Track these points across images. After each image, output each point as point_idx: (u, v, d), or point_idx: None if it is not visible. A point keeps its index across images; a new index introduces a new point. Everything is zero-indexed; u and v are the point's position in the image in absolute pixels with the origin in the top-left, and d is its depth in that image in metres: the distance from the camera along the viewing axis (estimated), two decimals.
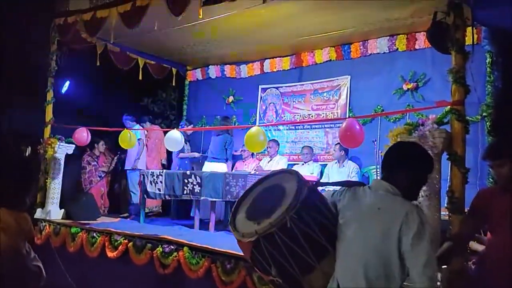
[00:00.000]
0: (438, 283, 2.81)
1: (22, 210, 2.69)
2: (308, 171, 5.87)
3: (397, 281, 1.69)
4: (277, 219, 1.70)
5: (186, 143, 6.81)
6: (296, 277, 1.74)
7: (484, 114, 5.00)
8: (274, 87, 7.15)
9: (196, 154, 6.81)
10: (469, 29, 3.62)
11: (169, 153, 7.06)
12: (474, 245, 3.00)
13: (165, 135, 6.53)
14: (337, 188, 1.98)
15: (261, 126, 5.69)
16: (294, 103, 6.93)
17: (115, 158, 6.95)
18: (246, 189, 2.04)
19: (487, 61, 5.04)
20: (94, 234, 4.85)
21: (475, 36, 4.09)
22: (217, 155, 6.09)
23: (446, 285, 2.82)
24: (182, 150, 6.60)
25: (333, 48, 6.41)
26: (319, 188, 2.00)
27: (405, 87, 5.78)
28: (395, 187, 1.79)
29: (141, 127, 6.60)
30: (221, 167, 5.99)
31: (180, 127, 6.79)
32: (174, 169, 6.57)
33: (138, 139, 6.27)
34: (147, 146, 6.76)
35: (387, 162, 1.90)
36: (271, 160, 6.34)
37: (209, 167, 6.01)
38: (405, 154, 1.88)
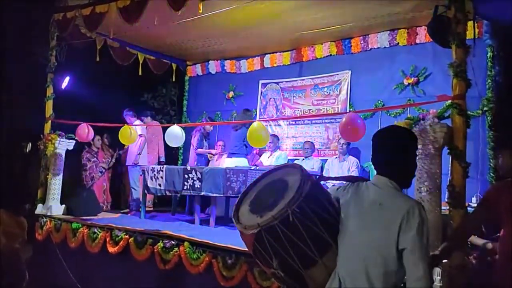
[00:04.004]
0: (438, 278, 2.82)
1: (20, 214, 2.73)
2: (309, 166, 5.87)
3: (397, 277, 1.69)
4: (279, 212, 1.70)
5: (205, 140, 6.75)
6: (298, 270, 1.74)
7: (485, 108, 4.99)
8: (274, 82, 7.14)
9: (213, 151, 6.69)
10: (470, 23, 3.61)
11: (167, 149, 7.05)
12: (475, 240, 3.00)
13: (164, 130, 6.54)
14: (341, 183, 1.97)
15: (262, 121, 5.68)
16: (294, 98, 6.91)
17: (115, 155, 6.95)
18: (250, 182, 2.04)
19: (488, 55, 5.03)
20: (95, 230, 4.85)
21: (476, 30, 4.08)
22: (237, 150, 5.80)
23: (447, 280, 2.82)
24: (200, 146, 6.54)
25: (334, 42, 6.39)
26: (322, 183, 1.99)
27: (405, 82, 5.77)
28: (393, 181, 1.79)
29: (142, 123, 6.59)
30: (242, 163, 5.73)
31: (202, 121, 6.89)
32: (192, 164, 6.51)
33: (140, 135, 6.25)
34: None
35: (375, 158, 1.89)
36: (271, 155, 6.33)
37: (230, 162, 5.76)
38: (386, 145, 1.86)
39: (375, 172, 1.90)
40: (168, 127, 5.69)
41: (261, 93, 7.28)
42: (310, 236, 1.71)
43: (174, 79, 7.75)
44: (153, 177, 5.60)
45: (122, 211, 6.41)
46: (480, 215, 2.43)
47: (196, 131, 6.77)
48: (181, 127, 5.75)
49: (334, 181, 2.10)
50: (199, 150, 6.61)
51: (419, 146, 3.08)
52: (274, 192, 1.85)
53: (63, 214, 5.63)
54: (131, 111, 6.46)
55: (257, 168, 5.14)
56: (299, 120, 6.85)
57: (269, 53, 7.07)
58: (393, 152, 1.82)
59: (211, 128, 6.92)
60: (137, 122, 6.44)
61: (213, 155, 6.73)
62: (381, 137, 1.89)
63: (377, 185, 1.81)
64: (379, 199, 1.76)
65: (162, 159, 7.06)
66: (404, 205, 1.69)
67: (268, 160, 6.29)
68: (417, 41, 5.68)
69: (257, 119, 6.88)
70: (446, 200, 3.18)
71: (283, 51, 6.93)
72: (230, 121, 6.94)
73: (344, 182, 1.96)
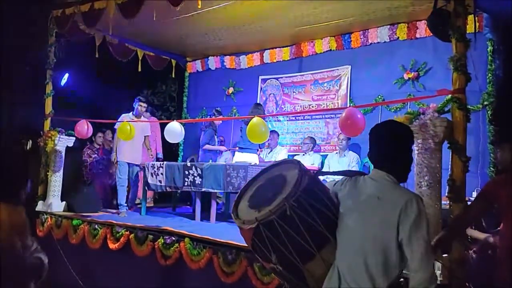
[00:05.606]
0: (438, 272, 2.82)
1: (17, 204, 2.67)
2: (309, 161, 5.87)
3: (396, 269, 1.70)
4: (276, 206, 1.72)
5: (215, 135, 6.46)
6: (296, 264, 1.75)
7: (485, 102, 4.98)
8: (274, 78, 7.12)
9: (223, 148, 6.59)
10: (470, 16, 3.59)
11: (167, 146, 7.00)
12: (474, 233, 3.00)
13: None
14: (339, 178, 1.98)
15: (262, 116, 5.66)
16: (294, 93, 6.90)
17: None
18: (250, 178, 2.06)
19: (488, 49, 5.01)
20: (96, 226, 4.87)
21: (477, 23, 4.06)
22: (249, 145, 5.60)
23: (447, 274, 2.82)
24: (209, 142, 6.26)
25: (333, 37, 6.37)
26: (320, 178, 2.00)
27: (406, 77, 5.75)
28: (391, 175, 1.79)
29: (146, 119, 6.57)
30: (252, 158, 5.62)
31: (208, 116, 6.84)
32: (203, 161, 6.20)
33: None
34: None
35: (372, 153, 1.90)
36: (271, 151, 6.33)
37: (241, 157, 5.65)
38: (382, 139, 1.87)
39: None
40: (167, 123, 5.67)
41: (261, 88, 7.27)
42: (308, 230, 1.72)
43: (173, 75, 7.74)
44: (153, 174, 5.60)
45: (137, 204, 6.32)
46: (477, 206, 2.44)
47: (206, 126, 6.49)
48: (180, 123, 5.72)
49: (332, 176, 2.10)
50: (208, 146, 6.29)
51: (419, 141, 3.08)
52: (273, 187, 1.87)
53: (63, 211, 5.64)
54: (147, 104, 6.33)
55: (257, 164, 5.14)
56: (299, 116, 6.84)
57: (269, 49, 7.05)
58: (389, 146, 1.84)
59: (220, 122, 6.74)
60: (143, 118, 6.36)
61: (223, 151, 6.60)
62: (378, 132, 1.90)
63: (375, 179, 1.82)
64: (377, 192, 1.77)
65: (160, 155, 7.03)
66: (402, 198, 1.71)
67: (268, 156, 6.28)
68: (417, 35, 5.66)
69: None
70: (446, 194, 3.18)
71: (283, 47, 6.91)
72: (240, 117, 6.81)
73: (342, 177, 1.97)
